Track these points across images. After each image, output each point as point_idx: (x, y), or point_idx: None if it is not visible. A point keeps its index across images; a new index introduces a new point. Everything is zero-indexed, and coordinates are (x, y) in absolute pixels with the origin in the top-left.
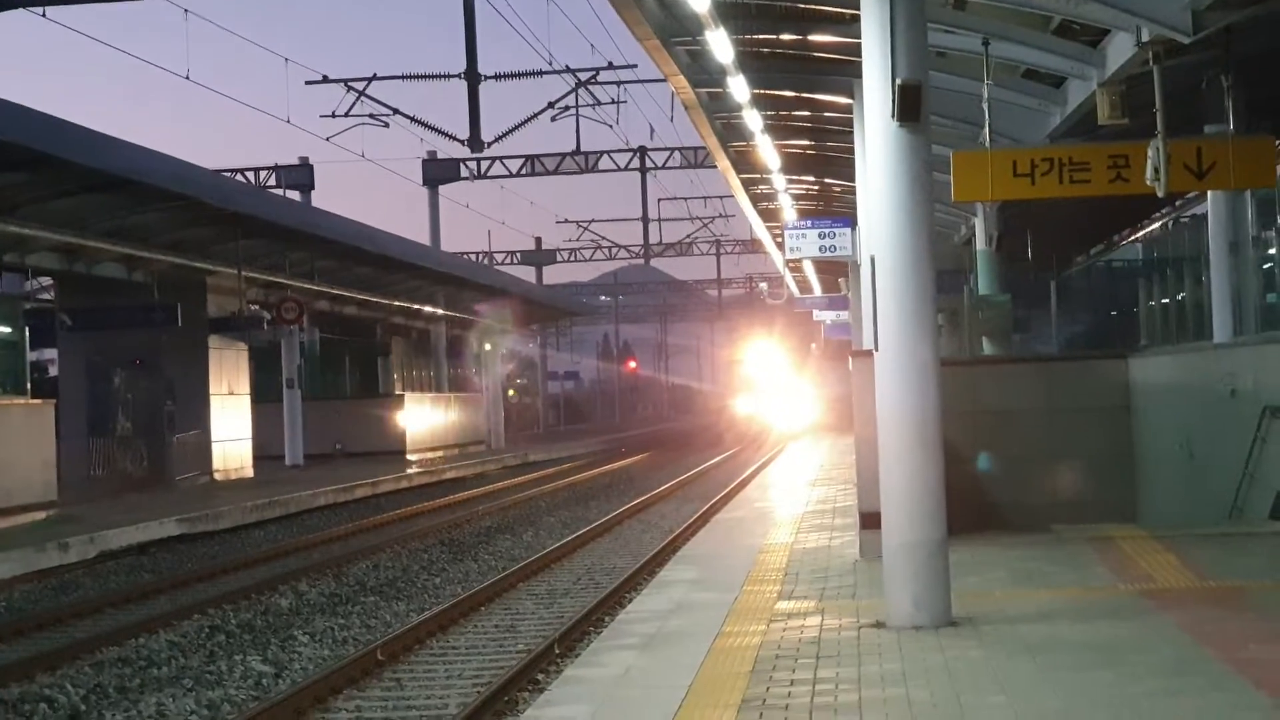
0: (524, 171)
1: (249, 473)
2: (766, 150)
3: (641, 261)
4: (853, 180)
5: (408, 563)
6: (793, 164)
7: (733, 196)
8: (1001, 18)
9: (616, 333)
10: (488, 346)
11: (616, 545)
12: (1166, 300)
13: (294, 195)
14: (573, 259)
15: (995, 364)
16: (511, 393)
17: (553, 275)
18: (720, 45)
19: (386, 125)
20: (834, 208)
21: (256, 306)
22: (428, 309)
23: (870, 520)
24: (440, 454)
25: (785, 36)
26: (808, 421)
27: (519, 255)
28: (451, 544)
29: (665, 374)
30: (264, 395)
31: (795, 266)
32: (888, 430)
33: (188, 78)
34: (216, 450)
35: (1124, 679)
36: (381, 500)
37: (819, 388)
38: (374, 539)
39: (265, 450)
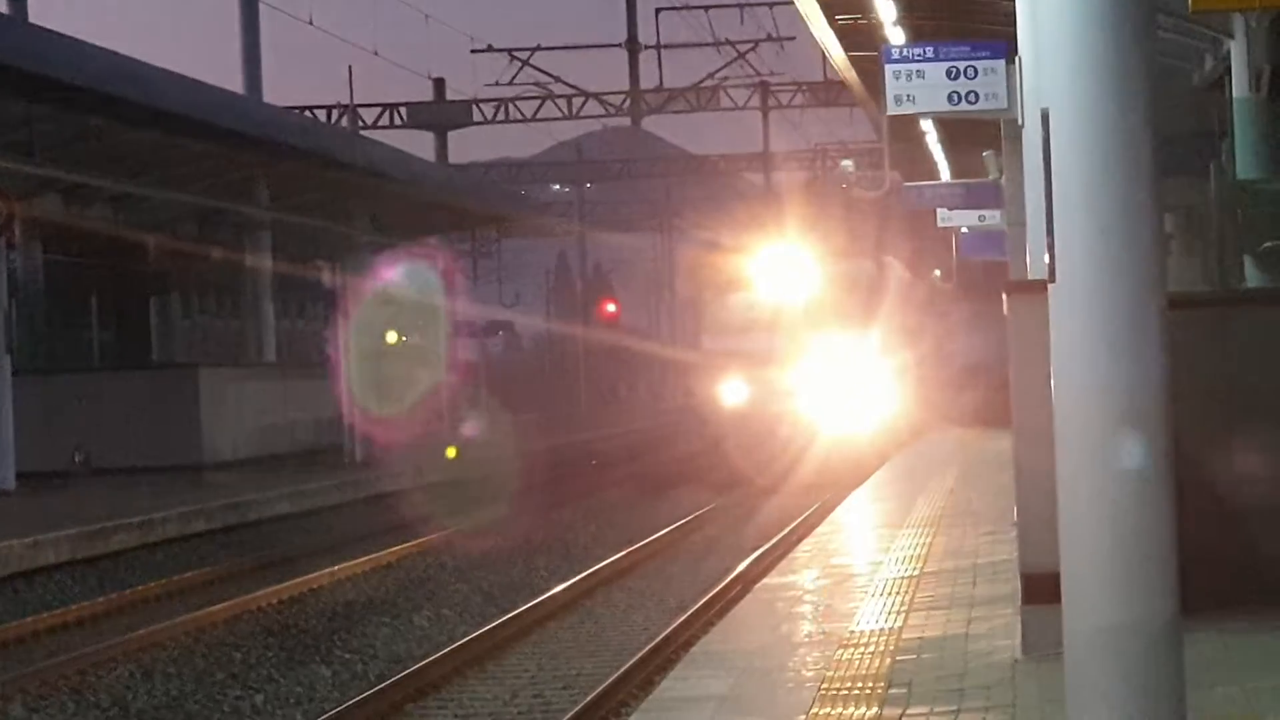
0: None
1: None
2: None
3: (625, 121)
4: None
5: (205, 666)
6: None
7: (790, 1)
8: None
9: (583, 252)
10: (342, 281)
11: (585, 633)
12: None
13: None
14: (504, 118)
15: (1273, 303)
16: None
17: (468, 147)
18: None
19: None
20: (976, 24)
21: None
22: (243, 210)
23: (1041, 588)
24: (266, 471)
25: None
26: (909, 414)
27: (404, 111)
28: (286, 632)
29: (670, 323)
30: None
31: (905, 129)
32: (1073, 426)
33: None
34: None
35: None
36: (158, 553)
37: (946, 348)
38: (145, 622)
39: None
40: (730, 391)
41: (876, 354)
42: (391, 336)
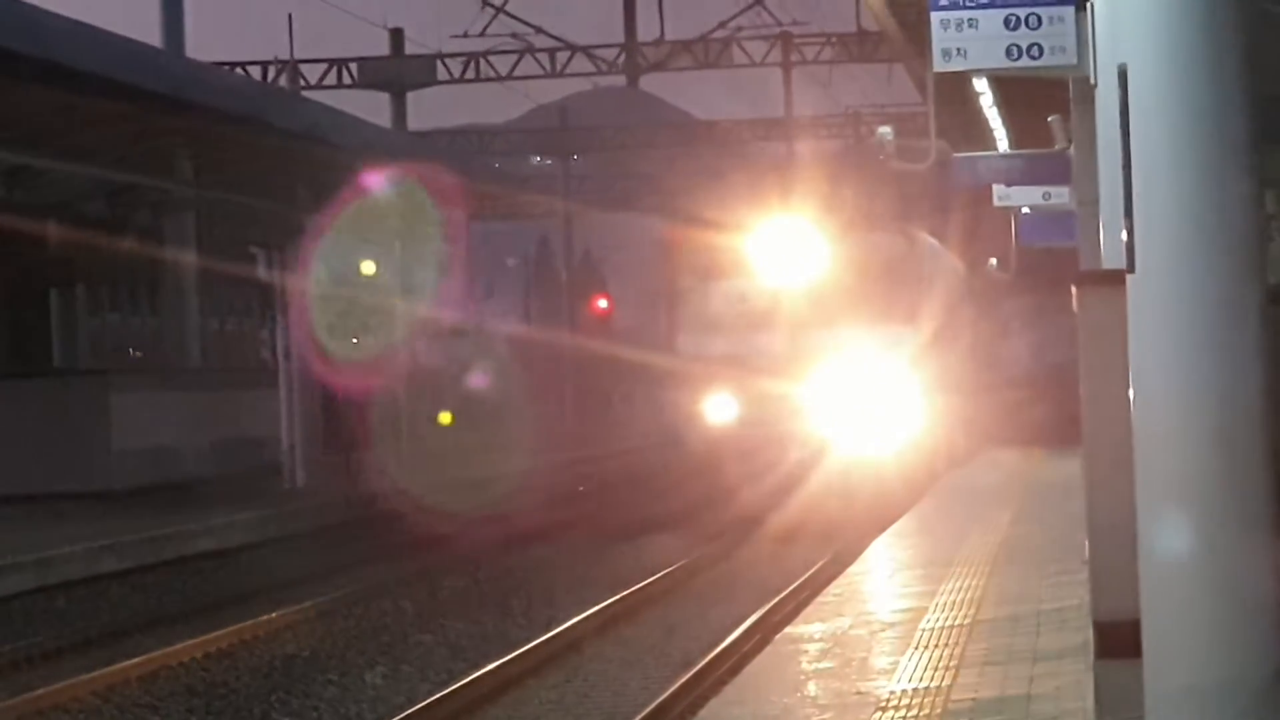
0: None
1: None
2: None
3: (619, 80)
4: None
5: None
6: None
7: None
8: None
9: (568, 236)
10: (281, 274)
11: (574, 690)
12: None
13: None
14: (474, 76)
15: None
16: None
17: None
18: None
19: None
20: None
21: None
22: (162, 186)
23: (1117, 640)
24: (189, 498)
25: None
26: (953, 434)
27: (354, 68)
28: (212, 692)
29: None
30: None
31: (956, 90)
32: (1155, 445)
33: None
34: None
35: None
36: (59, 598)
37: (1002, 351)
38: (43, 680)
39: None
40: (715, 408)
41: (907, 358)
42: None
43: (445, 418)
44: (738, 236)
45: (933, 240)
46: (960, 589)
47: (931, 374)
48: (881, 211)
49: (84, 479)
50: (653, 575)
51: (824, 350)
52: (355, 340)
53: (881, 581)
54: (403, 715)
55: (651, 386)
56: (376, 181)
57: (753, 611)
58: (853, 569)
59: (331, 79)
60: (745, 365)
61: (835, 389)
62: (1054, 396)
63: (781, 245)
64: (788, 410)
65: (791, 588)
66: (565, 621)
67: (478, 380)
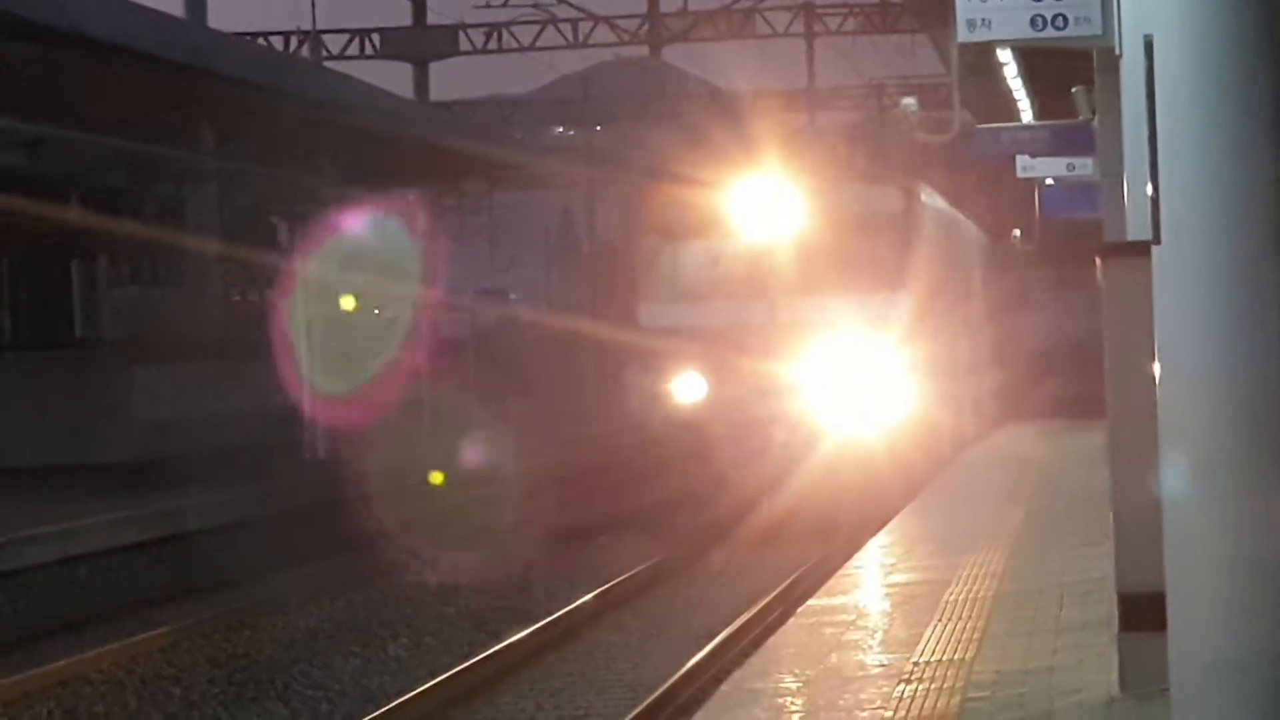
0: None
1: None
2: None
3: (642, 51)
4: None
5: (138, 704)
6: None
7: None
8: None
9: (590, 207)
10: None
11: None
12: None
13: None
14: (496, 47)
15: None
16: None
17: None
18: None
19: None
20: None
21: None
22: (184, 157)
23: (1141, 612)
24: (212, 469)
25: None
26: (962, 413)
27: (377, 38)
28: (234, 663)
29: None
30: None
31: (979, 60)
32: (1180, 417)
33: None
34: None
35: None
36: (80, 568)
37: (1022, 322)
38: (66, 652)
39: None
40: (682, 389)
41: (905, 329)
42: (349, 303)
43: (437, 478)
44: (708, 190)
45: (935, 194)
46: (983, 562)
47: (931, 347)
48: (876, 162)
49: (106, 450)
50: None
51: (809, 320)
52: (366, 307)
53: (904, 554)
54: (422, 687)
55: (619, 364)
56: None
57: (773, 586)
58: (877, 540)
59: (354, 49)
60: (717, 339)
61: (823, 365)
62: (1074, 370)
63: (759, 198)
64: (768, 390)
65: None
66: (583, 592)
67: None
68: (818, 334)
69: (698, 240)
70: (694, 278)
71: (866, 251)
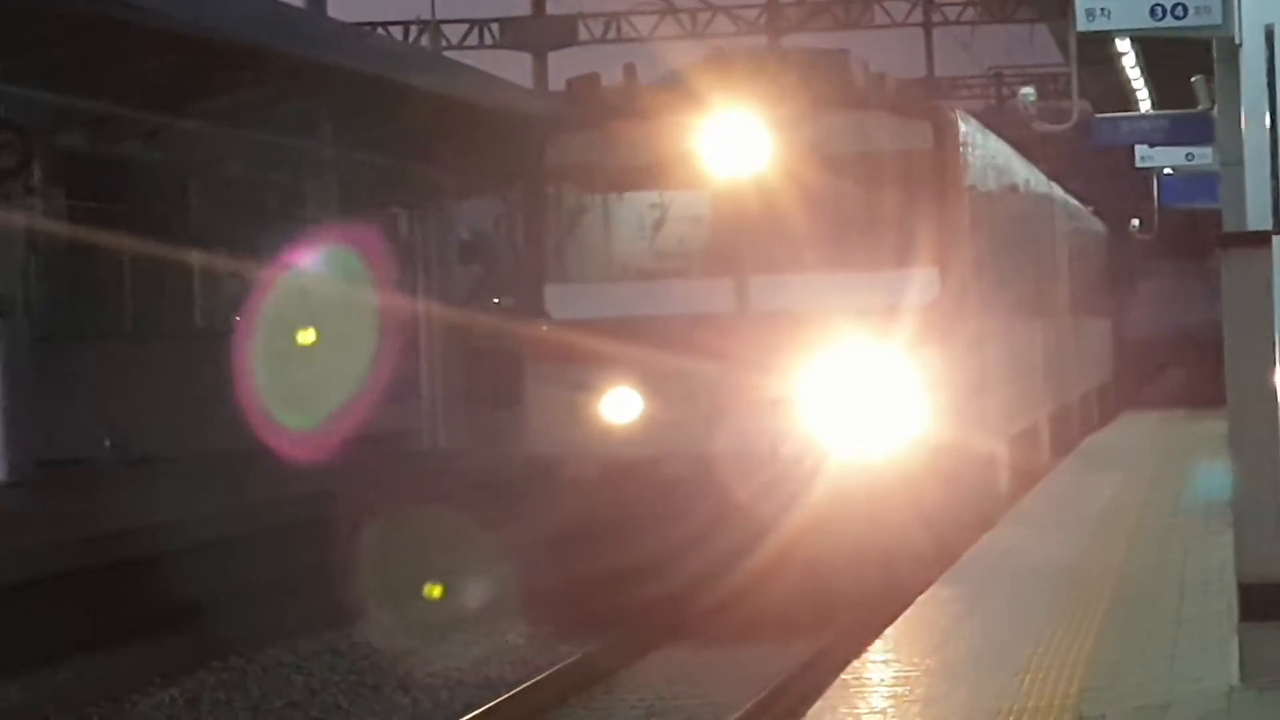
0: None
1: None
2: None
3: (761, 40)
4: None
5: (261, 693)
6: None
7: None
8: None
9: None
10: (420, 233)
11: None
12: None
13: None
14: (615, 36)
15: None
16: None
17: (572, 70)
18: None
19: None
20: None
21: None
22: (303, 147)
23: (1262, 602)
24: (356, 454)
25: None
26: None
27: (496, 28)
28: (355, 652)
29: None
30: None
31: (1097, 50)
32: None
33: None
34: None
35: None
36: (196, 563)
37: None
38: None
39: None
40: (612, 410)
41: (934, 322)
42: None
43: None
44: (650, 118)
45: (989, 133)
46: (1098, 548)
47: (984, 345)
48: (891, 85)
49: (230, 438)
50: None
51: (797, 309)
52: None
53: (1020, 537)
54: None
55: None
56: None
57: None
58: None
59: (473, 39)
60: (661, 336)
61: (818, 374)
62: (1189, 358)
63: (724, 131)
64: (733, 410)
65: None
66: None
67: None
68: (810, 329)
69: (633, 192)
70: (628, 249)
71: (881, 209)
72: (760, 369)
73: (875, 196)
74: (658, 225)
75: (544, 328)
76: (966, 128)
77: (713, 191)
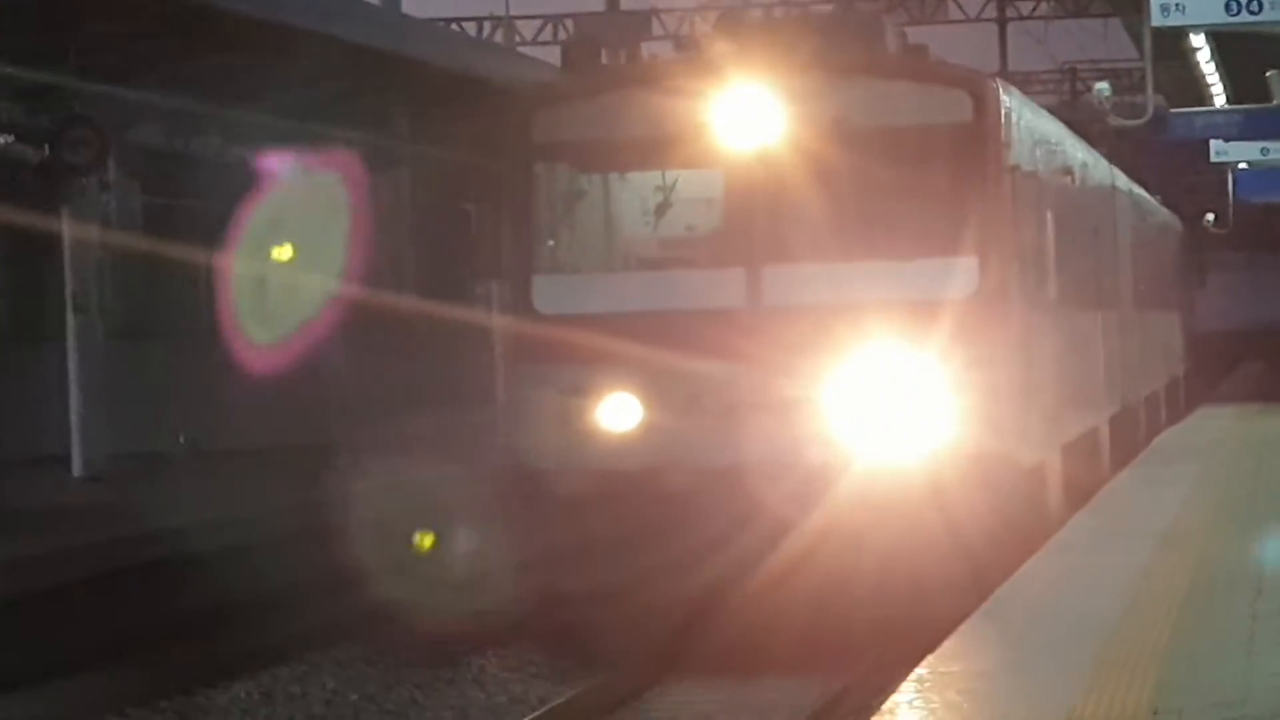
0: None
1: None
2: None
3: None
4: None
5: (336, 685)
6: None
7: None
8: None
9: None
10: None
11: None
12: None
13: None
14: (688, 31)
15: None
16: None
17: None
18: None
19: None
20: None
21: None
22: (378, 142)
23: None
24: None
25: None
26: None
27: (570, 24)
28: (431, 643)
29: None
30: (21, 331)
31: (1172, 45)
32: None
33: None
34: None
35: None
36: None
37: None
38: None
39: (22, 444)
40: (609, 417)
41: (984, 322)
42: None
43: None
44: (651, 86)
45: (1039, 109)
46: (1172, 548)
47: (1036, 342)
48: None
49: (306, 433)
50: None
51: (821, 303)
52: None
53: (1090, 538)
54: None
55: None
56: None
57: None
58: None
59: (547, 35)
60: (663, 334)
61: (844, 377)
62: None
63: (734, 104)
64: (746, 418)
65: None
66: None
67: None
68: (831, 326)
69: (632, 171)
70: (625, 235)
71: (913, 190)
72: (773, 371)
73: (906, 176)
74: (659, 209)
75: (530, 324)
76: (1010, 100)
77: (722, 171)
